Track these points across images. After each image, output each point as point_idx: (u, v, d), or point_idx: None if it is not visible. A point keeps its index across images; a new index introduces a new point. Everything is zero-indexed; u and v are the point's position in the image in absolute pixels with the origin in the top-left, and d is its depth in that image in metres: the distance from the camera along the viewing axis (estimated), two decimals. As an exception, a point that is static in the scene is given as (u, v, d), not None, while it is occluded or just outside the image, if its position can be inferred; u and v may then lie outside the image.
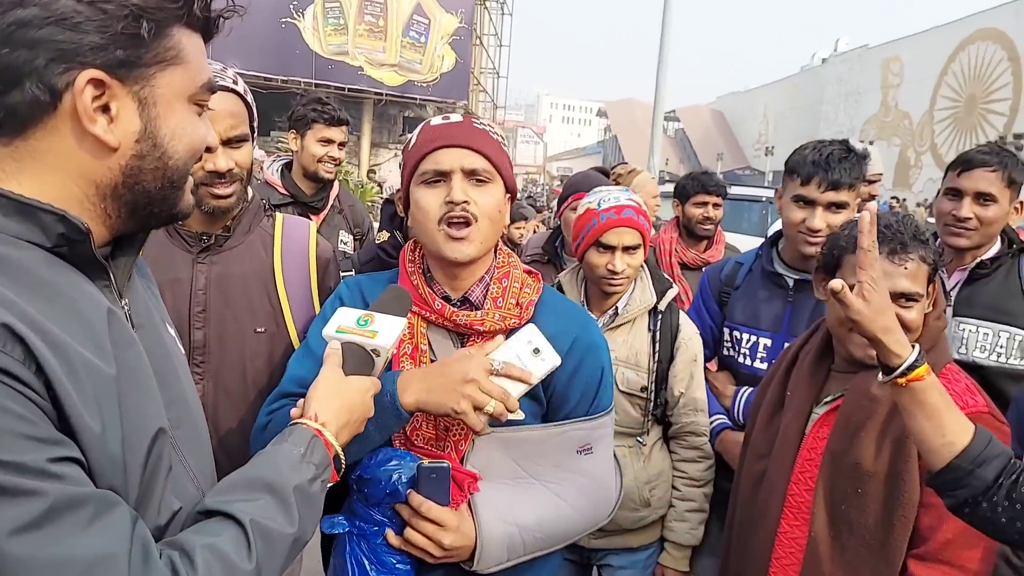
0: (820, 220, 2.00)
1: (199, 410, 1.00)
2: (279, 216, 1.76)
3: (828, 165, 1.98)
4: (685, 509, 2.09)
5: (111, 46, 0.76)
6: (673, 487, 2.12)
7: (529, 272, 1.52)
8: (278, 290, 1.67)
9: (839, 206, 2.01)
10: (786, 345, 2.09)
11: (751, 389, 2.07)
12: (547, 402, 1.43)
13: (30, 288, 0.74)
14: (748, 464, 1.74)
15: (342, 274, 1.97)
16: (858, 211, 2.04)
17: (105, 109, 0.78)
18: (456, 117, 1.44)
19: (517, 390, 1.31)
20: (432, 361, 1.41)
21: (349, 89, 22.00)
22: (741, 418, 2.11)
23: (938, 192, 2.36)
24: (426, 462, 1.32)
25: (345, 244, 3.19)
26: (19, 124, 0.77)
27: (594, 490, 1.46)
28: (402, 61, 22.59)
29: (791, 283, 2.13)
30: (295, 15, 20.67)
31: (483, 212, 1.37)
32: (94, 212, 0.82)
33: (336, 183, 3.28)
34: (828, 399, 1.60)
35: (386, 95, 22.94)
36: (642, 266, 2.12)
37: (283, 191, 3.07)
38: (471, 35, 24.21)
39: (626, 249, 2.03)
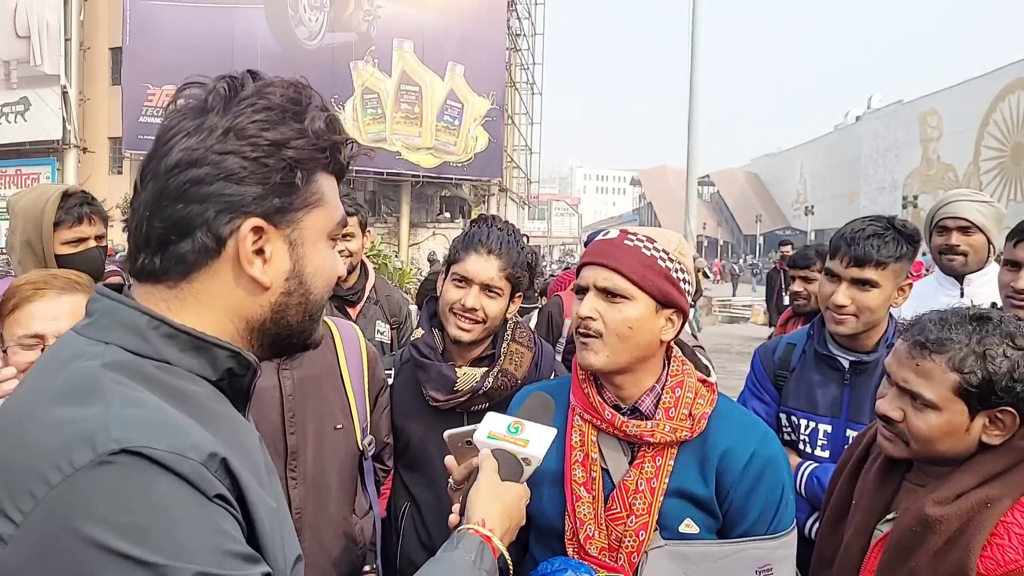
0: (843, 296, 1.92)
1: None
2: (328, 320, 1.89)
3: (854, 240, 1.91)
4: None
5: (270, 195, 0.83)
6: None
7: (703, 382, 1.49)
8: (346, 386, 1.81)
9: (865, 283, 1.91)
10: (850, 433, 1.97)
11: (815, 464, 1.97)
12: (723, 516, 1.40)
13: (207, 422, 0.77)
14: (813, 572, 1.58)
15: (385, 373, 2.05)
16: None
17: (260, 252, 0.84)
18: (613, 233, 1.47)
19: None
20: (604, 470, 1.43)
21: (388, 173, 22.65)
22: (803, 493, 1.97)
23: (998, 259, 2.24)
24: (603, 574, 1.32)
25: (382, 334, 3.09)
26: (186, 269, 0.82)
27: None
28: (437, 144, 23.26)
29: (846, 365, 2.02)
30: (336, 107, 21.45)
31: (610, 328, 1.40)
32: (243, 344, 0.87)
33: (372, 274, 3.22)
34: (891, 517, 1.42)
35: (423, 177, 23.53)
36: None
37: None
38: (503, 115, 24.87)
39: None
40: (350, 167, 0.94)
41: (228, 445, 0.77)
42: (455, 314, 1.93)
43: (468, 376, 1.93)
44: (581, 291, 1.45)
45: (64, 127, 20.94)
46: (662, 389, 1.45)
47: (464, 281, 1.92)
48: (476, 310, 1.91)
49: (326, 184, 0.90)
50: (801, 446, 2.07)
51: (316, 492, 1.73)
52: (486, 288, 1.91)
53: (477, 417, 1.81)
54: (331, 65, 21.62)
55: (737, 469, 1.39)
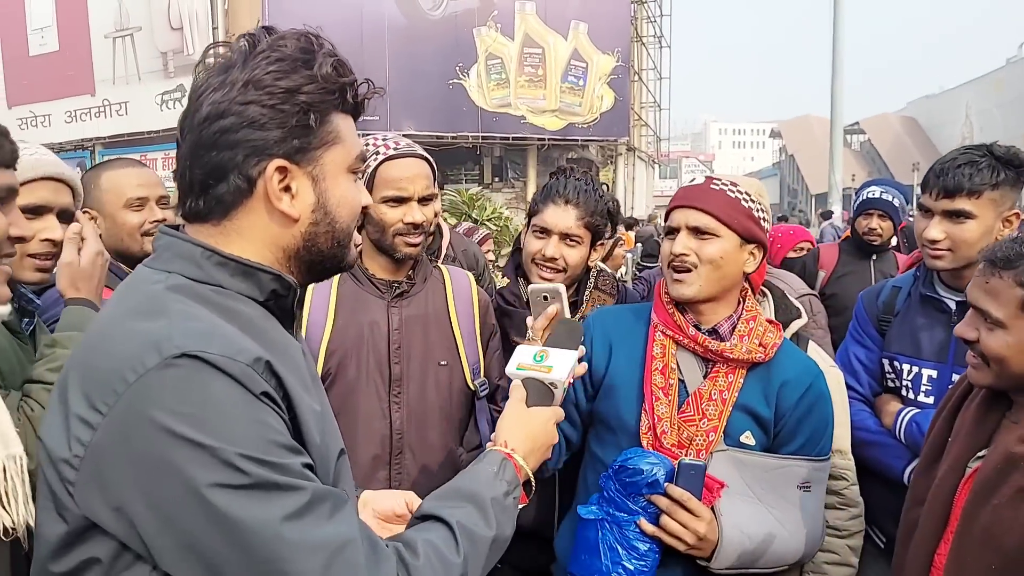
0: (935, 230, 1.81)
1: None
2: (443, 268, 2.07)
3: (943, 171, 1.79)
4: (824, 561, 1.83)
5: (289, 137, 0.95)
6: None
7: (771, 321, 1.70)
8: (453, 328, 1.96)
9: (957, 215, 1.78)
10: (956, 379, 1.83)
11: (916, 410, 1.93)
12: (774, 437, 1.61)
13: (257, 337, 0.91)
14: (907, 509, 1.55)
15: None
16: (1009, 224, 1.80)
17: (287, 189, 0.97)
18: (699, 179, 1.68)
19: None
20: (680, 380, 1.61)
21: (513, 138, 22.73)
22: (903, 439, 1.93)
23: None
24: (687, 459, 1.49)
25: None
26: (225, 208, 0.97)
27: (810, 525, 1.60)
28: (562, 106, 22.97)
29: (953, 307, 1.87)
30: (461, 75, 21.79)
31: (704, 259, 1.59)
32: (283, 271, 1.00)
33: (447, 231, 3.48)
34: (982, 453, 1.35)
35: (548, 140, 23.44)
36: (765, 291, 1.94)
37: None
38: (628, 72, 24.19)
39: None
40: (365, 105, 1.04)
41: (274, 354, 0.90)
42: (537, 264, 2.02)
43: None
44: (672, 232, 1.63)
45: (216, 112, 22.59)
46: (738, 319, 1.65)
47: (544, 232, 2.01)
48: (556, 259, 1.99)
49: (341, 123, 1.00)
50: (904, 392, 1.97)
51: (417, 418, 1.87)
52: (565, 237, 2.00)
53: None
54: (455, 34, 21.83)
55: (794, 398, 1.60)
